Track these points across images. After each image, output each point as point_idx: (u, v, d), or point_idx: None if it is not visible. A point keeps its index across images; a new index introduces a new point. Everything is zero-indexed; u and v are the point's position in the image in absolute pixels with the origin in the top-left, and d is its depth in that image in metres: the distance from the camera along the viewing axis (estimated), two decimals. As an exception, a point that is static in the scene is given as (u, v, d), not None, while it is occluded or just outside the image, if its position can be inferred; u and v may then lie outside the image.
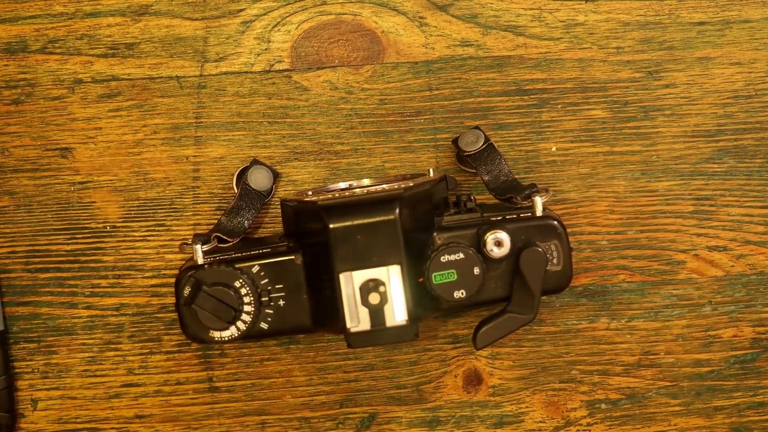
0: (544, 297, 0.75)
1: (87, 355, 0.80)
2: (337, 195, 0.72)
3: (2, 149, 0.79)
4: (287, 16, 0.79)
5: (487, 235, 0.71)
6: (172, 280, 0.74)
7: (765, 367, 0.80)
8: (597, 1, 0.78)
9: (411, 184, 0.71)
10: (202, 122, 0.79)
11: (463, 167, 0.79)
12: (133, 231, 0.79)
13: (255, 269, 0.72)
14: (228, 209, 0.76)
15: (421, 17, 0.79)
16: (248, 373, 0.80)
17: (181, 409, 0.80)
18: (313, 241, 0.71)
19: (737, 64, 0.79)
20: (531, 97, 0.79)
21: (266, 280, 0.72)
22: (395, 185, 0.72)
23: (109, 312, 0.79)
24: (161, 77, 0.79)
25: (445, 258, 0.70)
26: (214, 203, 0.79)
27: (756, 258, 0.80)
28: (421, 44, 0.79)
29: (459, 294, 0.71)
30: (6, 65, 0.78)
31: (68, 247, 0.79)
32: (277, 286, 0.72)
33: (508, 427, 0.80)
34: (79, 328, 0.79)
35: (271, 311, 0.72)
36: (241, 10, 0.78)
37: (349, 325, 0.69)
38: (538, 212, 0.72)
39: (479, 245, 0.71)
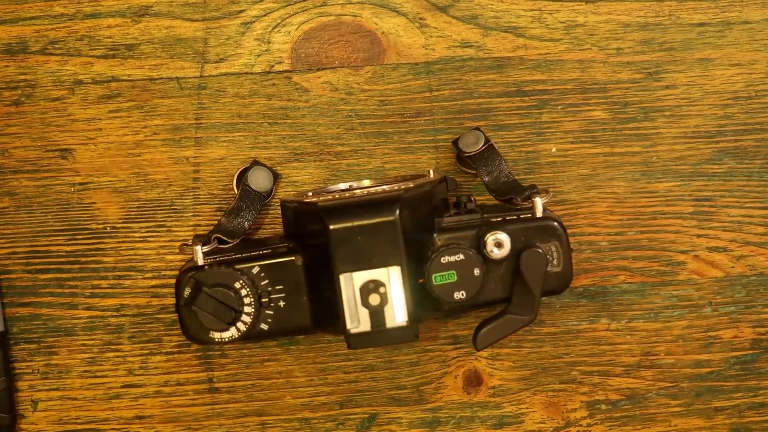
0: (544, 298, 0.75)
1: (87, 355, 0.80)
2: (337, 196, 0.72)
3: (3, 150, 0.79)
4: (287, 17, 0.79)
5: (488, 236, 0.71)
6: (173, 281, 0.74)
7: (765, 368, 0.80)
8: (597, 3, 0.79)
9: (411, 186, 0.72)
10: (202, 123, 0.79)
11: (463, 168, 0.79)
12: (134, 232, 0.79)
13: (255, 270, 0.72)
14: (228, 210, 0.76)
15: (421, 18, 0.79)
16: (248, 374, 0.80)
17: (181, 410, 0.80)
18: (314, 242, 0.71)
19: (737, 65, 0.79)
20: (531, 98, 0.79)
21: (266, 281, 0.72)
22: (395, 186, 0.72)
23: (110, 313, 0.79)
24: (161, 78, 0.79)
25: (445, 259, 0.70)
26: (214, 204, 0.79)
27: (756, 259, 0.80)
28: (422, 45, 0.79)
29: (459, 295, 0.71)
30: (6, 66, 0.78)
31: (68, 248, 0.79)
32: (277, 287, 0.72)
33: (509, 428, 0.80)
34: (80, 328, 0.79)
35: (272, 312, 0.72)
36: (241, 11, 0.78)
37: (349, 326, 0.69)
38: (538, 213, 0.72)
39: (479, 246, 0.71)
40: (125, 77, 0.79)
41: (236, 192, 0.78)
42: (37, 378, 0.80)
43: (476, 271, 0.70)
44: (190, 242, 0.73)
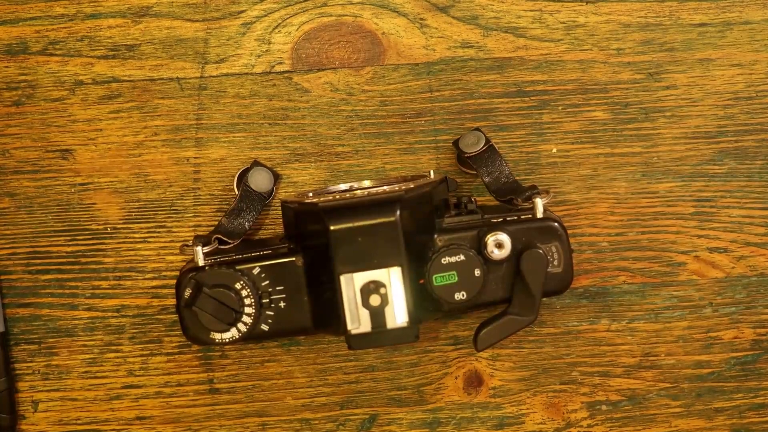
0: (544, 298, 0.75)
1: (88, 356, 0.80)
2: (337, 197, 0.72)
3: (3, 151, 0.79)
4: (288, 18, 0.79)
5: (488, 236, 0.71)
6: (173, 281, 0.74)
7: (765, 369, 0.80)
8: (598, 3, 0.78)
9: (411, 186, 0.71)
10: (202, 124, 0.79)
11: (463, 169, 0.79)
12: (134, 232, 0.79)
13: (256, 271, 0.72)
14: (228, 211, 0.76)
15: (421, 19, 0.79)
16: (249, 375, 0.80)
17: (181, 411, 0.80)
18: (314, 243, 0.71)
19: (738, 66, 0.79)
20: (532, 98, 0.79)
21: (267, 282, 0.72)
22: (396, 187, 0.72)
23: (110, 313, 0.79)
24: (162, 79, 0.79)
25: (445, 260, 0.70)
26: (214, 205, 0.79)
27: (756, 259, 0.80)
28: (422, 46, 0.79)
29: (460, 296, 0.71)
30: (7, 67, 0.78)
31: (69, 249, 0.79)
32: (277, 288, 0.72)
33: (509, 429, 0.80)
34: (80, 329, 0.79)
35: (272, 313, 0.72)
36: (242, 12, 0.78)
37: (349, 326, 0.69)
38: (539, 214, 0.72)
39: (480, 247, 0.71)
40: (126, 78, 0.79)
41: (237, 192, 0.78)
42: (37, 379, 0.80)
43: (477, 272, 0.70)
44: (190, 243, 0.73)
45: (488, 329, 0.72)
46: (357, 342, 0.70)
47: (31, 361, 0.80)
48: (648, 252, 0.80)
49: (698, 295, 0.80)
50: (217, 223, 0.78)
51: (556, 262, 0.72)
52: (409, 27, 0.79)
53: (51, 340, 0.79)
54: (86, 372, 0.80)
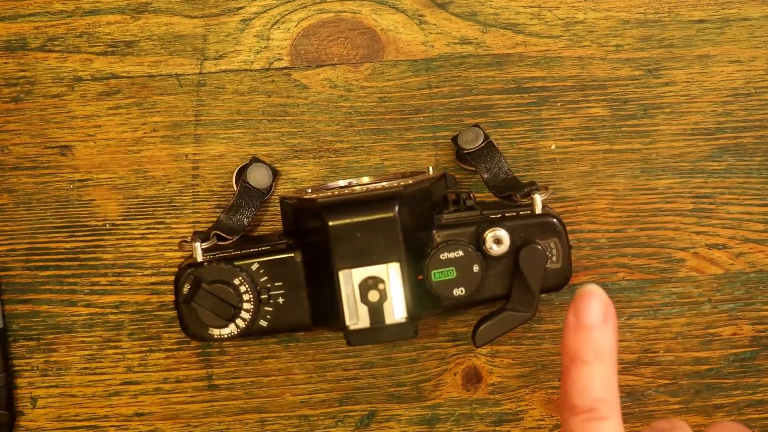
0: (543, 295, 0.75)
1: (86, 352, 0.80)
2: (336, 193, 0.72)
3: (2, 147, 0.79)
4: (287, 14, 0.79)
5: (487, 232, 0.71)
6: (172, 277, 0.74)
7: (764, 365, 0.80)
8: (596, -1, 0.79)
9: (410, 182, 0.71)
10: (201, 120, 0.79)
11: (462, 165, 0.79)
12: (133, 229, 0.79)
13: (254, 267, 0.72)
14: (227, 207, 0.76)
15: (420, 15, 0.79)
16: (248, 371, 0.80)
17: (180, 407, 0.80)
18: (313, 239, 0.71)
19: (737, 62, 0.79)
20: (530, 95, 0.79)
21: (266, 278, 0.72)
22: (395, 183, 0.72)
23: (109, 310, 0.79)
24: (160, 75, 0.79)
25: (444, 256, 0.70)
26: (213, 201, 0.79)
27: (755, 256, 0.80)
28: (421, 42, 0.79)
29: (458, 292, 0.71)
30: (5, 63, 0.78)
31: (68, 245, 0.79)
32: (276, 284, 0.72)
33: (508, 425, 0.80)
34: (79, 325, 0.79)
35: (271, 309, 0.72)
36: (241, 8, 0.78)
37: (348, 322, 0.69)
38: (538, 210, 0.72)
39: (479, 243, 0.71)
40: (124, 74, 0.79)
41: (235, 189, 0.78)
42: (36, 375, 0.80)
43: (475, 268, 0.70)
44: (189, 239, 0.73)
45: (487, 325, 0.72)
46: (356, 338, 0.70)
47: (29, 358, 0.80)
48: (647, 248, 0.80)
49: (697, 291, 0.80)
50: (215, 219, 0.78)
51: (554, 258, 0.72)
52: (407, 23, 0.79)
53: (50, 336, 0.79)
54: (85, 368, 0.80)
